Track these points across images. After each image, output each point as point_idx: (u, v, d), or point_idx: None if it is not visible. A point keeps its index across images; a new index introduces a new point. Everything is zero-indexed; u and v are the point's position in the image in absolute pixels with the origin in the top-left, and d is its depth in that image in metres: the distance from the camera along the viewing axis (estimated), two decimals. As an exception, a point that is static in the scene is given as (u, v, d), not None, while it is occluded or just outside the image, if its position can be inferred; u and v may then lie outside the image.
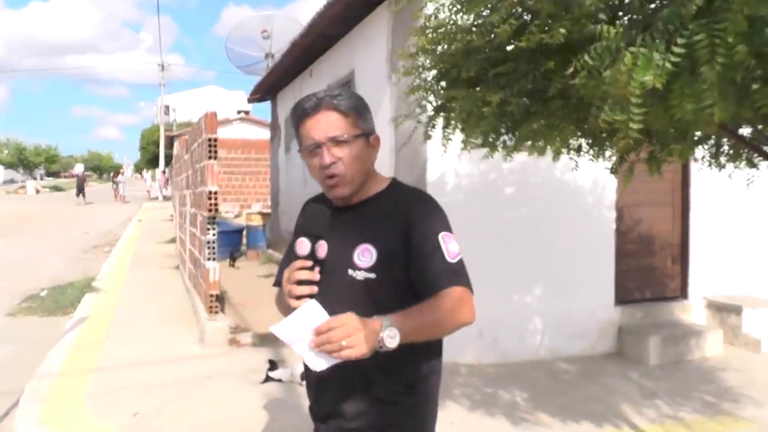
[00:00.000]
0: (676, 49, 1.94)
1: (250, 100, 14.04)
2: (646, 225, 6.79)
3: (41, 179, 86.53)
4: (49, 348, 6.21)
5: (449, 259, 1.85)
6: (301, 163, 9.60)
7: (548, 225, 6.21)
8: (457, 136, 3.82)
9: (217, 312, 6.11)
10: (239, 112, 35.17)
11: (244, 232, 14.14)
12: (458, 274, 1.85)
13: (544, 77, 2.62)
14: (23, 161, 60.75)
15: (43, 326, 7.54)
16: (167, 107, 40.56)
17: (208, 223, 6.13)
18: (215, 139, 6.00)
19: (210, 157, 6.02)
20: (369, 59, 7.24)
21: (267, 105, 13.96)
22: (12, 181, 66.14)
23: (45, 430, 4.25)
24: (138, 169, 69.80)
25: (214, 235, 6.15)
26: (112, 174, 53.27)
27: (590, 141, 3.57)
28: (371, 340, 1.60)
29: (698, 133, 3.31)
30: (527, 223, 6.13)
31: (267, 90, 12.67)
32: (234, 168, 24.12)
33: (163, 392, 4.86)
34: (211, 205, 6.04)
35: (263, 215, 14.21)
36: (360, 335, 1.57)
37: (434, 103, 3.83)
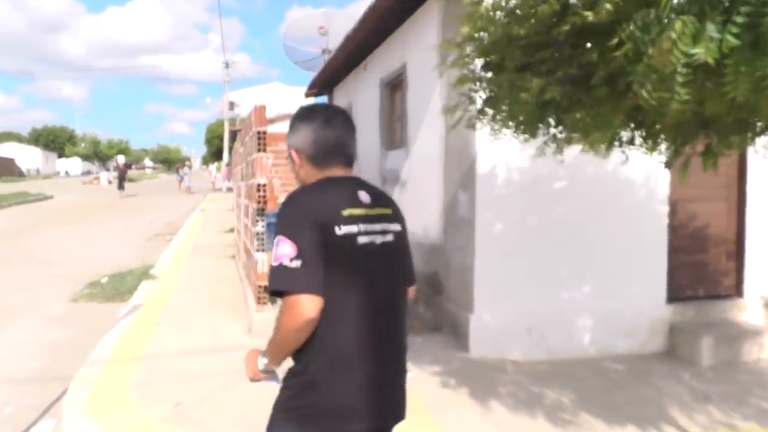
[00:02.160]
0: (739, 19, 1.76)
1: (307, 95, 14.10)
2: (700, 220, 6.50)
3: (115, 171, 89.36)
4: (103, 334, 6.35)
5: (272, 263, 1.93)
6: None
7: (599, 220, 6.00)
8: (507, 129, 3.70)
9: (265, 303, 6.14)
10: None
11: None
12: (271, 281, 1.91)
13: (588, 63, 2.48)
14: (98, 154, 62.98)
15: (101, 312, 7.73)
16: (231, 103, 41.03)
17: (257, 215, 6.15)
18: (264, 132, 6.01)
19: (259, 150, 6.03)
20: (420, 51, 7.15)
21: (325, 99, 14.00)
22: (89, 173, 68.64)
23: (89, 418, 4.31)
24: (205, 161, 71.51)
25: (263, 226, 6.16)
26: (176, 166, 54.58)
27: (643, 133, 3.40)
28: (252, 367, 2.09)
29: (760, 123, 3.09)
30: (578, 217, 5.94)
31: (323, 85, 12.71)
32: (294, 161, 24.18)
33: (207, 382, 4.89)
34: (260, 197, 6.06)
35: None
36: (248, 365, 2.11)
37: (482, 95, 3.70)
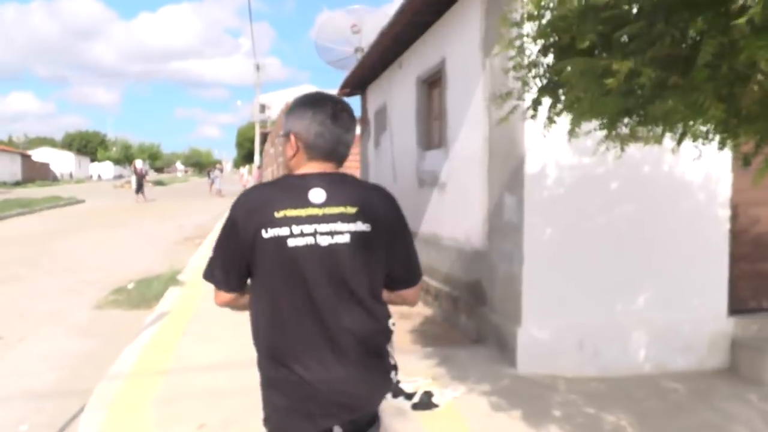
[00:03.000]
0: None
1: (339, 95, 13.72)
2: (765, 225, 5.95)
3: (133, 175, 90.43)
4: (127, 344, 6.03)
5: None
6: (391, 158, 9.15)
7: (655, 224, 5.51)
8: (563, 122, 3.26)
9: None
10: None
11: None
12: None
13: (689, 40, 2.04)
14: (129, 158, 63.31)
15: (125, 320, 7.43)
16: (262, 105, 41.03)
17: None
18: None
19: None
20: (460, 46, 6.72)
21: (358, 99, 13.65)
22: (121, 177, 69.35)
23: (106, 439, 3.96)
24: (236, 164, 71.87)
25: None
26: (207, 169, 54.87)
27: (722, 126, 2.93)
28: None
29: None
30: (633, 221, 5.46)
31: (356, 84, 12.32)
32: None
33: (234, 402, 4.50)
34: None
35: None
36: None
37: (539, 83, 3.26)
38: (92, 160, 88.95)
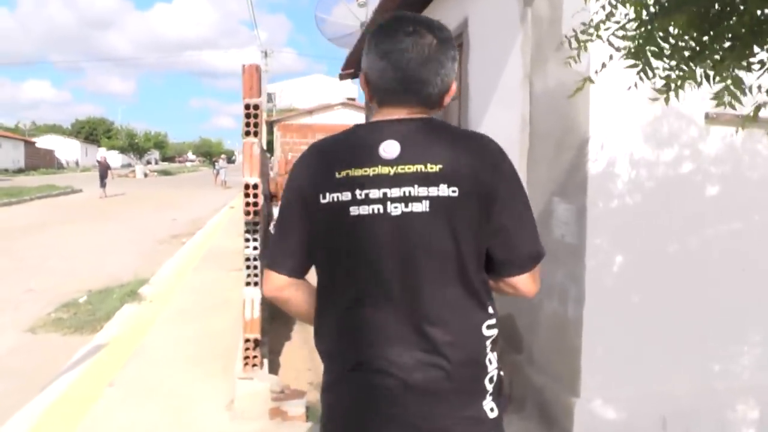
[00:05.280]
0: None
1: (342, 77, 12.03)
2: None
3: (156, 164, 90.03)
4: (35, 393, 4.43)
5: None
6: None
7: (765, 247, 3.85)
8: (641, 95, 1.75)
9: (255, 366, 4.08)
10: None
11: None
12: None
13: None
14: (133, 146, 61.93)
15: (58, 350, 5.81)
16: (270, 95, 39.63)
17: (247, 232, 4.11)
18: (256, 107, 3.94)
19: (248, 133, 3.97)
20: (489, 1, 5.04)
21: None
22: (129, 165, 68.35)
23: None
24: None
25: (255, 248, 4.12)
26: (213, 159, 53.58)
27: None
28: None
29: None
30: (738, 245, 3.79)
31: (360, 63, 10.64)
32: (332, 154, 22.57)
33: None
34: (249, 204, 4.01)
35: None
36: None
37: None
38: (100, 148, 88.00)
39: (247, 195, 3.99)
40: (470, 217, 1.54)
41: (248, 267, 4.15)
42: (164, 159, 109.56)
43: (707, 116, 3.62)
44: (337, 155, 1.60)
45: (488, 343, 1.60)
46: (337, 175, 1.56)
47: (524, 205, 1.61)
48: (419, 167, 1.53)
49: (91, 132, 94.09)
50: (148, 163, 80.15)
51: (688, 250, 3.69)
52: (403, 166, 1.53)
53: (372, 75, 1.64)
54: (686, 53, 1.68)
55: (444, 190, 1.52)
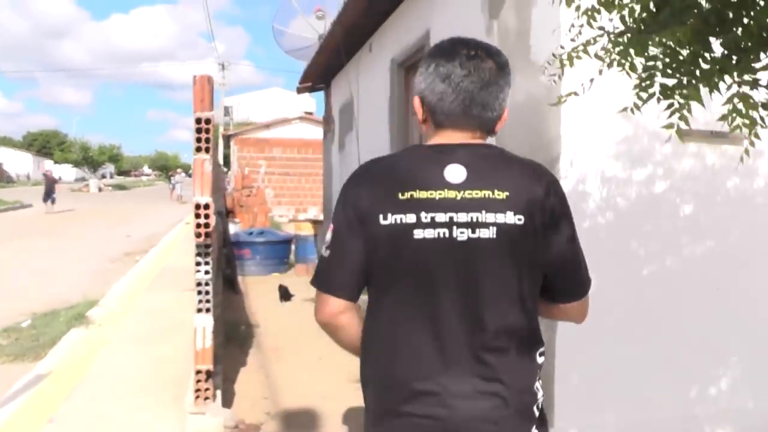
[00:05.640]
0: None
1: (299, 90, 11.81)
2: None
3: (111, 178, 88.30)
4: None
5: None
6: (357, 164, 6.93)
7: (750, 268, 3.73)
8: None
9: (207, 399, 3.80)
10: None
11: (293, 243, 12.03)
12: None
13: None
14: (88, 160, 60.51)
15: (-4, 380, 5.43)
16: (227, 108, 39.09)
17: (198, 255, 3.85)
18: (208, 120, 3.69)
19: (199, 149, 3.71)
20: (453, 9, 4.89)
21: (321, 96, 11.75)
22: (83, 179, 66.80)
23: None
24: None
25: (207, 273, 3.86)
26: (170, 173, 52.77)
27: None
28: None
29: None
30: (715, 264, 3.67)
31: (319, 75, 10.43)
32: (290, 168, 22.30)
33: None
34: (200, 226, 3.74)
35: (314, 223, 12.01)
36: None
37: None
38: (54, 161, 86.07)
39: (198, 216, 3.74)
40: (533, 246, 1.55)
41: (200, 292, 3.89)
42: (120, 173, 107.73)
43: (680, 132, 3.50)
44: (399, 175, 1.57)
45: (539, 370, 1.62)
46: (400, 197, 1.53)
47: (576, 235, 1.64)
48: (487, 193, 1.53)
49: (45, 145, 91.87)
50: (103, 177, 78.49)
51: (663, 271, 3.56)
52: (470, 191, 1.53)
53: (430, 97, 1.62)
54: (689, 68, 1.50)
55: (511, 218, 1.53)
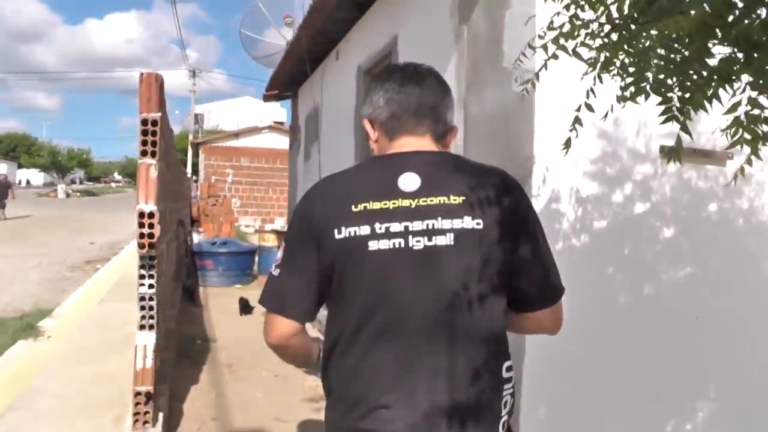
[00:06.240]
0: None
1: (266, 98, 11.57)
2: None
3: (80, 183, 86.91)
4: None
5: None
6: (320, 175, 6.56)
7: (729, 295, 3.56)
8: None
9: (147, 423, 3.52)
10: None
11: (256, 254, 11.77)
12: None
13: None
14: (56, 164, 59.39)
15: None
16: (197, 116, 38.65)
17: (142, 267, 3.58)
18: (155, 122, 3.43)
19: (144, 153, 3.45)
20: (421, 16, 4.70)
21: (287, 104, 11.50)
22: (52, 184, 65.50)
23: None
24: (172, 176, 68.54)
25: (151, 287, 3.59)
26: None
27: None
28: None
29: None
30: (691, 290, 3.50)
31: (286, 83, 10.19)
32: (257, 178, 22.03)
33: None
34: (143, 236, 3.48)
35: (278, 234, 11.74)
36: None
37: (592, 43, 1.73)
38: (20, 166, 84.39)
39: (141, 225, 3.48)
40: (495, 251, 1.51)
41: (143, 307, 3.62)
42: (89, 179, 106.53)
43: (662, 150, 3.33)
44: (352, 188, 1.56)
45: (506, 386, 1.55)
46: (353, 209, 1.51)
47: (544, 238, 1.61)
48: (442, 199, 1.51)
49: (12, 149, 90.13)
50: (72, 182, 77.23)
51: (640, 298, 3.38)
52: (425, 199, 1.50)
53: (378, 114, 1.63)
54: (693, 66, 1.29)
55: (468, 223, 1.50)
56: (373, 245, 1.49)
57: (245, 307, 8.57)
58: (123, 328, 7.12)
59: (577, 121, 1.87)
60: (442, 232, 1.49)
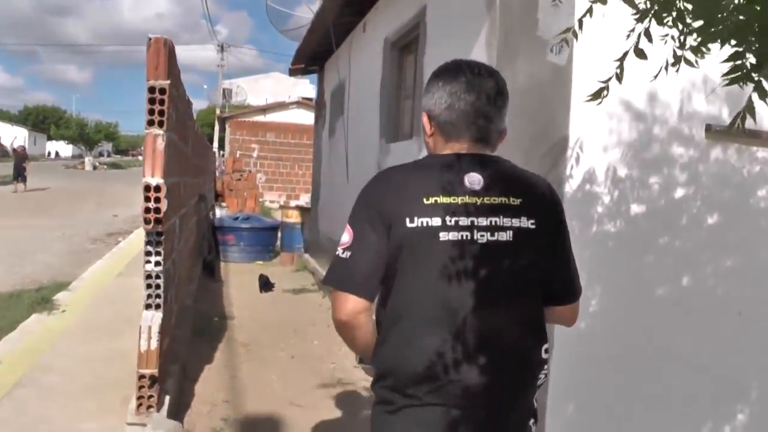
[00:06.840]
0: None
1: (292, 72, 11.36)
2: None
3: (108, 156, 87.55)
4: None
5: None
6: (345, 151, 6.18)
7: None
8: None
9: (151, 408, 3.35)
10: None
11: (279, 230, 11.61)
12: (326, 271, 1.74)
13: None
14: (83, 137, 59.67)
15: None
16: (225, 90, 38.52)
17: (148, 243, 3.40)
18: (163, 90, 3.22)
19: (151, 122, 3.25)
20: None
21: (314, 77, 11.26)
22: (80, 157, 66.00)
23: None
24: (199, 150, 68.40)
25: (158, 264, 3.41)
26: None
27: None
28: None
29: None
30: (735, 283, 3.23)
31: (312, 56, 9.94)
32: (283, 154, 21.86)
33: None
34: (149, 211, 3.29)
35: (302, 210, 11.56)
36: None
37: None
38: (49, 138, 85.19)
39: (147, 199, 3.27)
40: (543, 249, 1.71)
41: (149, 286, 3.45)
42: (117, 152, 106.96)
43: (708, 129, 3.04)
44: (421, 182, 1.68)
45: (544, 366, 1.72)
46: (425, 201, 1.63)
47: (570, 243, 1.80)
48: (503, 199, 1.67)
49: (42, 120, 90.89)
50: (100, 155, 77.77)
51: (679, 290, 3.12)
52: (488, 198, 1.66)
53: (438, 113, 1.75)
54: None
55: (525, 222, 1.67)
56: (443, 236, 1.62)
57: (265, 285, 8.42)
58: (139, 303, 6.88)
59: (619, 75, 1.64)
60: (503, 228, 1.66)
